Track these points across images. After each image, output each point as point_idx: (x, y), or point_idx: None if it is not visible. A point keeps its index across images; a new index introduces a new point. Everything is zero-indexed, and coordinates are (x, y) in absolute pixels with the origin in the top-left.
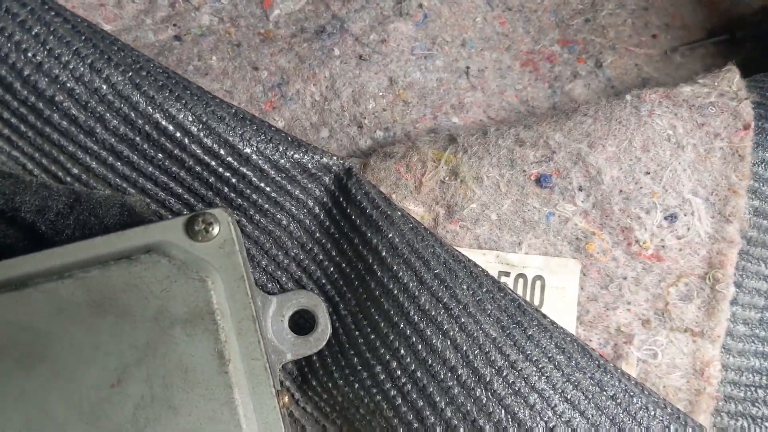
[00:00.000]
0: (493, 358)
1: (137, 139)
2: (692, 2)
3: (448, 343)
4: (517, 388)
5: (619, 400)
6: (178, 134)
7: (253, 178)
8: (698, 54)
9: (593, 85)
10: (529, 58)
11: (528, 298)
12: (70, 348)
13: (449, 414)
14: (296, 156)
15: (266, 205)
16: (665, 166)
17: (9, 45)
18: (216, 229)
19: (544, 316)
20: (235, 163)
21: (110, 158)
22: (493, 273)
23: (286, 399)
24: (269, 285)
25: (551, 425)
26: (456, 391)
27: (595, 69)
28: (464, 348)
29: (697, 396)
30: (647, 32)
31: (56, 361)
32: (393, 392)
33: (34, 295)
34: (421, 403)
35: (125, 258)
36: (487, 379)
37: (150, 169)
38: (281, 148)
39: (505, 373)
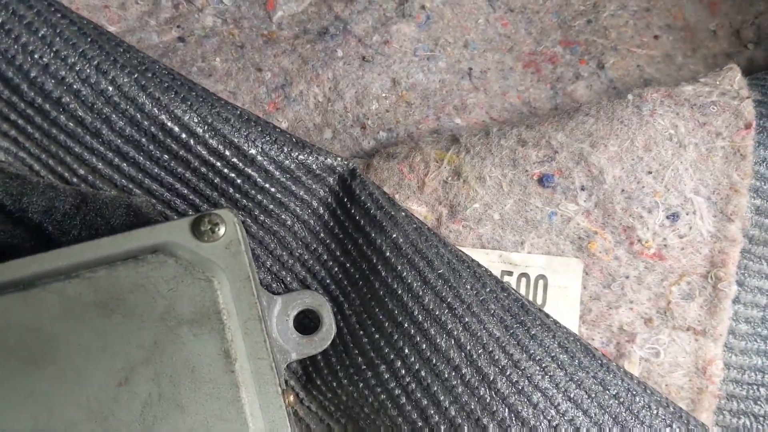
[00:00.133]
0: (496, 357)
1: (143, 140)
2: (694, 3)
3: (452, 342)
4: (520, 387)
5: (621, 399)
6: (183, 135)
7: (258, 179)
8: (700, 55)
9: (595, 87)
10: (532, 59)
11: (531, 298)
12: (78, 348)
13: (453, 413)
14: (301, 157)
15: (271, 206)
16: (667, 165)
17: (16, 47)
18: (222, 230)
19: (547, 316)
20: (240, 164)
21: (116, 159)
22: (496, 272)
23: (291, 398)
24: (274, 285)
25: (554, 424)
26: (460, 390)
27: (597, 70)
28: (468, 347)
29: (700, 394)
30: (649, 33)
31: (64, 361)
32: (397, 391)
33: (41, 295)
34: (425, 402)
35: (132, 258)
36: (491, 378)
37: (156, 170)
38: (286, 149)
39: (508, 372)
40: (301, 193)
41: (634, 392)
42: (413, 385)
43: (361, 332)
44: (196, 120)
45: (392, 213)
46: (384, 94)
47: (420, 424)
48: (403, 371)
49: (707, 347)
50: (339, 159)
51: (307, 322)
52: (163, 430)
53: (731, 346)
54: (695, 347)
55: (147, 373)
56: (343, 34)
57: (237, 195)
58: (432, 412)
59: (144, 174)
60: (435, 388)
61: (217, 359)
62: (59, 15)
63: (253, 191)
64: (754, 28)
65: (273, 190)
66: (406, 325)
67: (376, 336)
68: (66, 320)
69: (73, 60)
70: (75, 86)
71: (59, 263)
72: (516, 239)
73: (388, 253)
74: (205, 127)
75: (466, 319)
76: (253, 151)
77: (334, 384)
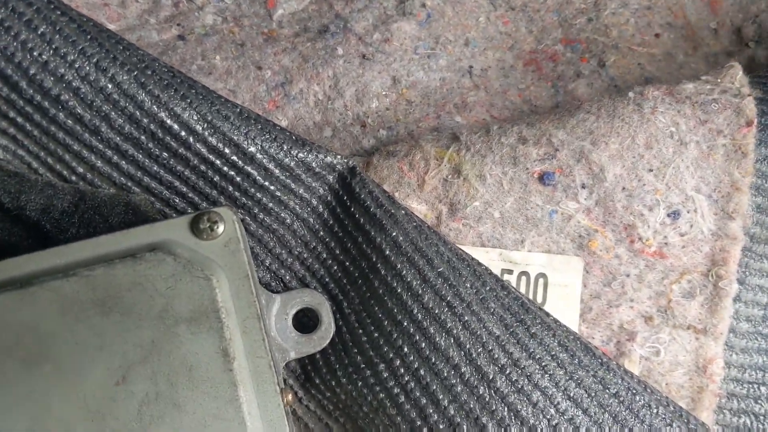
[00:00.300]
0: (496, 356)
1: (142, 137)
2: (695, 1)
3: (452, 341)
4: (520, 386)
5: (621, 398)
6: (183, 133)
7: (258, 177)
8: (701, 53)
9: (596, 85)
10: (532, 57)
11: (531, 296)
12: (75, 346)
13: (452, 412)
14: (300, 155)
15: (270, 204)
16: (668, 163)
17: (15, 44)
18: (221, 228)
19: (547, 314)
20: (240, 162)
21: (115, 157)
22: (496, 271)
23: (290, 397)
24: (273, 283)
25: (554, 423)
26: (459, 388)
27: (598, 68)
28: (467, 346)
29: (700, 393)
30: (650, 31)
31: (61, 359)
32: (396, 390)
33: (39, 293)
34: (424, 401)
35: (130, 256)
36: (490, 377)
37: (155, 167)
38: (285, 147)
39: (508, 371)
40: (301, 191)
41: (635, 391)
42: (412, 384)
43: (360, 331)
44: (195, 118)
45: (392, 211)
46: (384, 92)
47: (419, 423)
48: (402, 370)
49: (708, 346)
50: (339, 157)
51: (306, 321)
52: (160, 429)
53: (732, 344)
54: (696, 346)
55: (144, 371)
56: (343, 32)
57: (236, 193)
58: (431, 411)
59: (143, 172)
60: (434, 387)
61: (215, 358)
62: (59, 12)
63: (252, 189)
64: (755, 27)
65: (272, 188)
66: (405, 324)
67: (375, 335)
68: (63, 318)
69: (72, 57)
70: (74, 84)
71: (57, 261)
72: (516, 237)
73: (387, 252)
74: (205, 125)
75: (466, 318)
76: (252, 149)
77: (333, 383)
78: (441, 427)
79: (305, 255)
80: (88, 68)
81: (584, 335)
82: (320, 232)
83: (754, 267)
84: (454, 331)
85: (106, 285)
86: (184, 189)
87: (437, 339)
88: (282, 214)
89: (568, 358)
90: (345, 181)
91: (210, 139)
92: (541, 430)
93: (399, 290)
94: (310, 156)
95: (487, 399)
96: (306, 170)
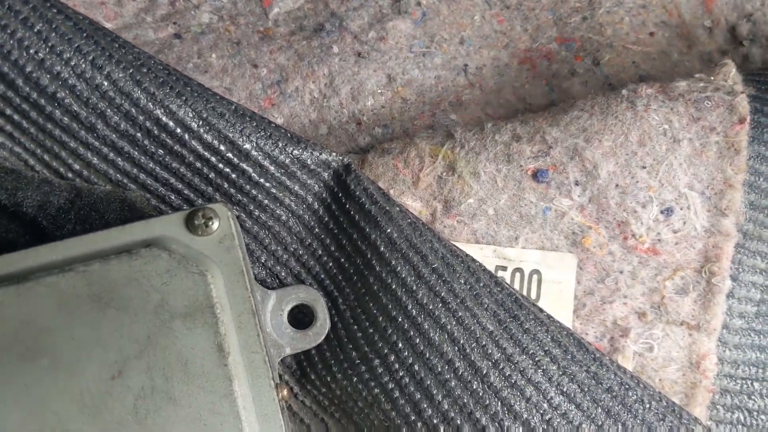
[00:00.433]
0: (489, 351)
1: (138, 135)
2: (689, 0)
3: (446, 336)
4: (513, 381)
5: (614, 393)
6: (178, 130)
7: (253, 174)
8: (696, 51)
9: (591, 83)
10: (527, 55)
11: (525, 293)
12: (71, 341)
13: (446, 406)
14: (295, 152)
15: (266, 201)
16: (661, 160)
17: (11, 42)
18: (216, 224)
19: (541, 310)
20: (235, 159)
21: (111, 154)
22: (491, 267)
23: (285, 392)
24: (268, 280)
25: (547, 417)
26: (453, 383)
27: (592, 67)
28: (461, 341)
29: (693, 389)
30: (645, 30)
31: (57, 354)
32: (391, 385)
33: (35, 288)
34: (418, 396)
35: (126, 252)
36: (484, 372)
37: (150, 164)
38: (281, 144)
39: (501, 366)
40: (296, 188)
41: (627, 386)
42: (407, 379)
43: (355, 327)
44: (191, 115)
45: (387, 208)
46: (379, 91)
47: (413, 417)
48: (397, 365)
49: (701, 342)
50: (334, 154)
51: (301, 317)
52: (156, 423)
53: (725, 340)
54: (689, 342)
55: (140, 366)
56: (338, 30)
57: (231, 190)
58: (425, 405)
59: (139, 169)
60: (428, 382)
61: (210, 353)
62: (55, 10)
63: (247, 186)
64: (749, 25)
65: (268, 185)
66: (399, 320)
67: (370, 330)
68: (59, 314)
69: (68, 55)
70: (70, 81)
71: (53, 257)
72: (510, 234)
73: (382, 248)
74: (200, 122)
75: (460, 314)
76: (247, 146)
77: (328, 378)
78: (435, 421)
79: (300, 251)
80: (84, 66)
81: (578, 331)
82: (315, 228)
83: (747, 264)
84: (448, 327)
85: (101, 280)
86: (180, 186)
87: (431, 334)
88: (277, 211)
89: (561, 353)
90: (340, 178)
91: (205, 136)
92: (535, 424)
93: (393, 286)
94: (305, 153)
95: (480, 394)
96: (301, 167)
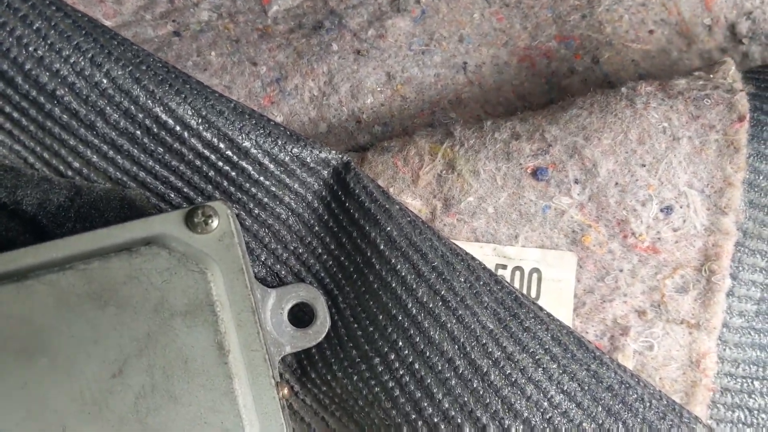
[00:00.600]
0: (490, 349)
1: (137, 132)
2: None
3: (446, 335)
4: (513, 380)
5: (615, 392)
6: (177, 128)
7: (252, 172)
8: (695, 50)
9: (590, 81)
10: (527, 54)
11: (525, 291)
12: (71, 339)
13: (446, 405)
14: (295, 150)
15: (265, 199)
16: (661, 158)
17: (10, 40)
18: (215, 222)
19: (541, 309)
20: (235, 157)
21: (110, 152)
22: (490, 266)
23: (286, 391)
24: (268, 278)
25: (548, 416)
26: (453, 382)
27: (592, 65)
28: (461, 340)
29: (693, 387)
30: (644, 28)
31: (57, 352)
32: (391, 384)
33: (35, 286)
34: (418, 395)
35: (125, 250)
36: (484, 371)
37: (150, 162)
38: (280, 142)
39: (501, 365)
40: (296, 186)
41: (628, 385)
42: (407, 378)
43: (356, 325)
44: (190, 112)
45: (386, 206)
46: (379, 88)
47: (414, 416)
48: (397, 364)
49: (701, 340)
50: (333, 152)
51: (301, 316)
52: (156, 421)
53: (725, 339)
54: (689, 340)
55: (140, 364)
56: (338, 28)
57: (231, 188)
58: (425, 404)
59: (138, 167)
60: (428, 381)
61: (211, 351)
62: (54, 8)
63: (247, 184)
64: (749, 23)
65: (267, 183)
66: (400, 318)
67: (370, 329)
68: (59, 312)
69: (67, 53)
70: (69, 79)
71: (53, 255)
72: (510, 232)
73: (382, 246)
74: (200, 120)
75: (460, 312)
76: (247, 144)
77: (329, 377)
78: (435, 420)
79: (300, 250)
80: (83, 63)
81: (578, 330)
82: (315, 227)
83: (747, 262)
84: (448, 325)
85: (101, 278)
86: (179, 184)
87: (431, 333)
88: (277, 209)
89: (561, 351)
90: (340, 176)
91: (205, 134)
92: (535, 423)
93: (393, 284)
94: (304, 151)
95: (481, 392)
96: (301, 165)
